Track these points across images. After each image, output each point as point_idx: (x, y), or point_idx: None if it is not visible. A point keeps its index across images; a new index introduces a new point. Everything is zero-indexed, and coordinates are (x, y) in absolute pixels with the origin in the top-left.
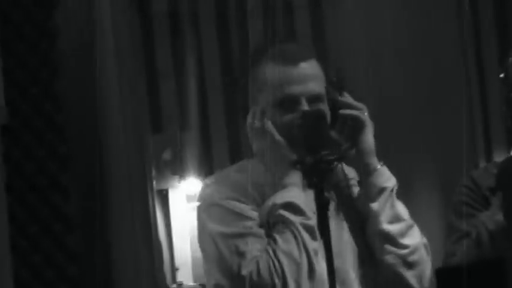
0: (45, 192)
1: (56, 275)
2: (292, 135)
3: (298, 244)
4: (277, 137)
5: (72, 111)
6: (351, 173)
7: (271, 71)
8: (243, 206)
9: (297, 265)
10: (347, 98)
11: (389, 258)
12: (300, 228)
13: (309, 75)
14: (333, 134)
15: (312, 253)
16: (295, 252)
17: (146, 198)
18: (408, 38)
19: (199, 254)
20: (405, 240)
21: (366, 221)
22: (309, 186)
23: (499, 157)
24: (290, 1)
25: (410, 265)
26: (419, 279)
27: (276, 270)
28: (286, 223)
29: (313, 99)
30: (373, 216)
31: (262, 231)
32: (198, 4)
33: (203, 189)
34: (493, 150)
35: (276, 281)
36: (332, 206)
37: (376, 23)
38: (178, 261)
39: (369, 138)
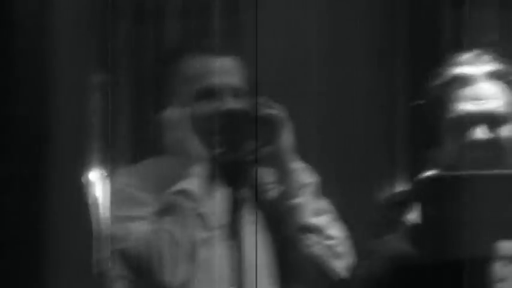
0: None
1: None
2: (211, 127)
3: (183, 227)
4: (189, 128)
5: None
6: (268, 175)
7: (193, 64)
8: (143, 194)
9: (176, 245)
10: (264, 98)
11: (317, 250)
12: (189, 214)
13: (230, 69)
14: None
15: (197, 238)
16: (177, 233)
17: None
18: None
19: None
20: (331, 232)
21: (288, 217)
22: (225, 183)
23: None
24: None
25: (338, 255)
26: (346, 270)
27: (154, 245)
28: (176, 207)
29: (235, 93)
30: (297, 212)
31: (155, 218)
32: None
33: (115, 176)
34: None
35: (153, 255)
36: (247, 205)
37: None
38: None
39: (288, 136)
